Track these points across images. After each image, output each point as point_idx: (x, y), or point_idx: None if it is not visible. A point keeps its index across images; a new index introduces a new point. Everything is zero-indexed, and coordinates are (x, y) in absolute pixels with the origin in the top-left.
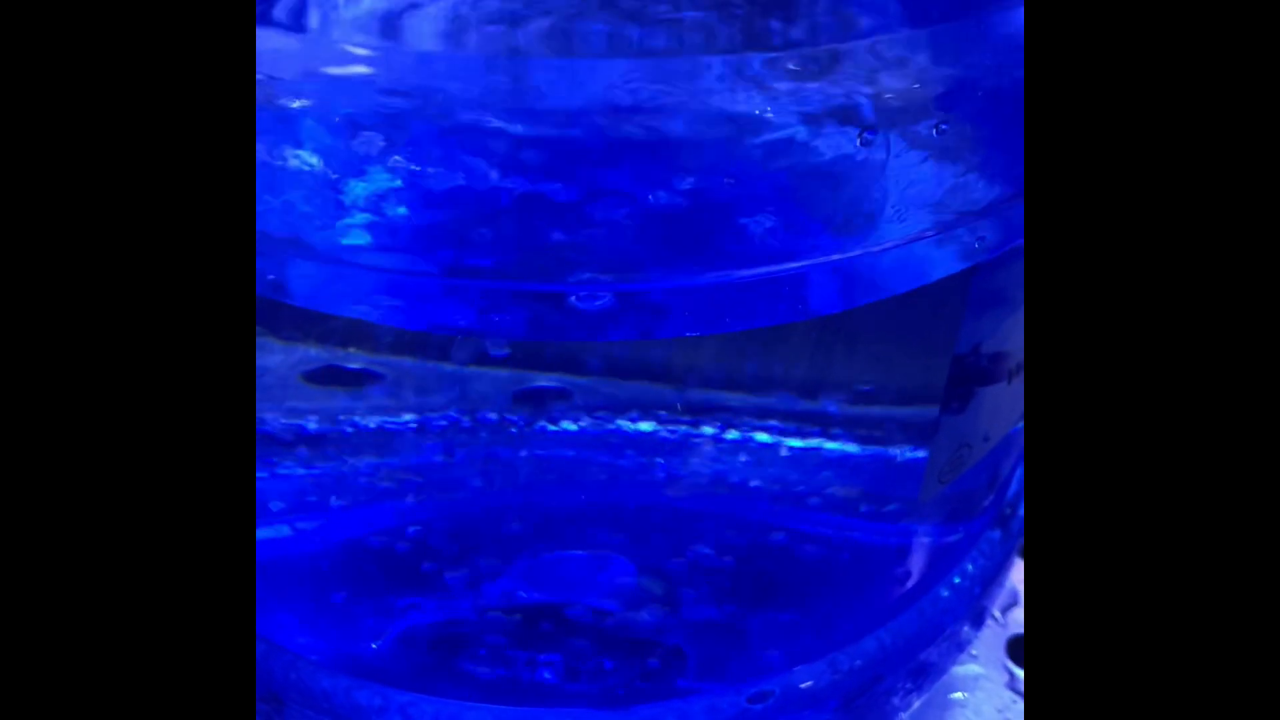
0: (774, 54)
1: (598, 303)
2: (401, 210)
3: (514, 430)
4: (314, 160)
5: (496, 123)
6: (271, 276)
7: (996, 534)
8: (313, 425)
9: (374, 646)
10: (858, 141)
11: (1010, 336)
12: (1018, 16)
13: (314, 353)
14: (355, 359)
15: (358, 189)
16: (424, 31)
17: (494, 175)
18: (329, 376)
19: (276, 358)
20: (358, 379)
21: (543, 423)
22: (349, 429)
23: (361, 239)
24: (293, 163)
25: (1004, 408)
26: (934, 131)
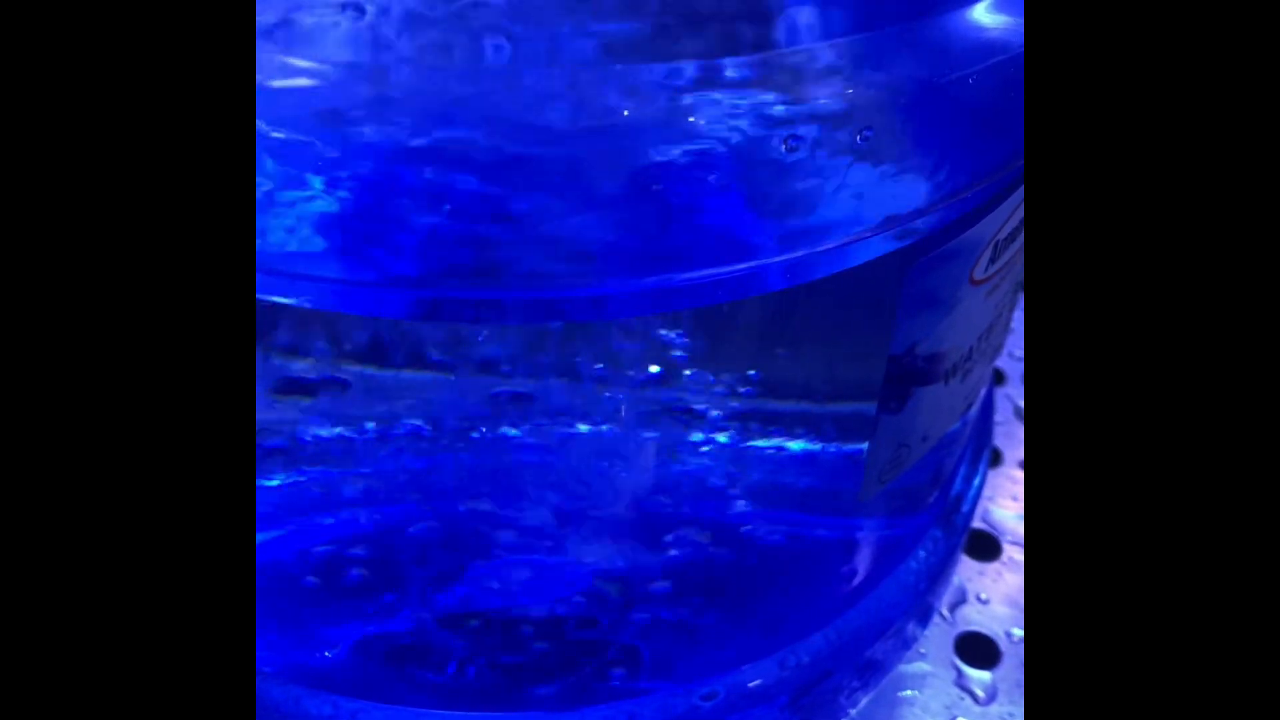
0: (703, 61)
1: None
2: (347, 220)
3: (469, 436)
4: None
5: (435, 132)
6: None
7: (940, 531)
8: (268, 437)
9: (327, 655)
10: (783, 148)
11: (946, 337)
12: (944, 23)
13: (270, 364)
14: (311, 369)
15: (296, 198)
16: (360, 43)
17: (435, 183)
18: (284, 388)
19: None
20: (313, 390)
21: (495, 428)
22: (303, 440)
23: (301, 248)
24: None
25: (943, 408)
26: (858, 138)
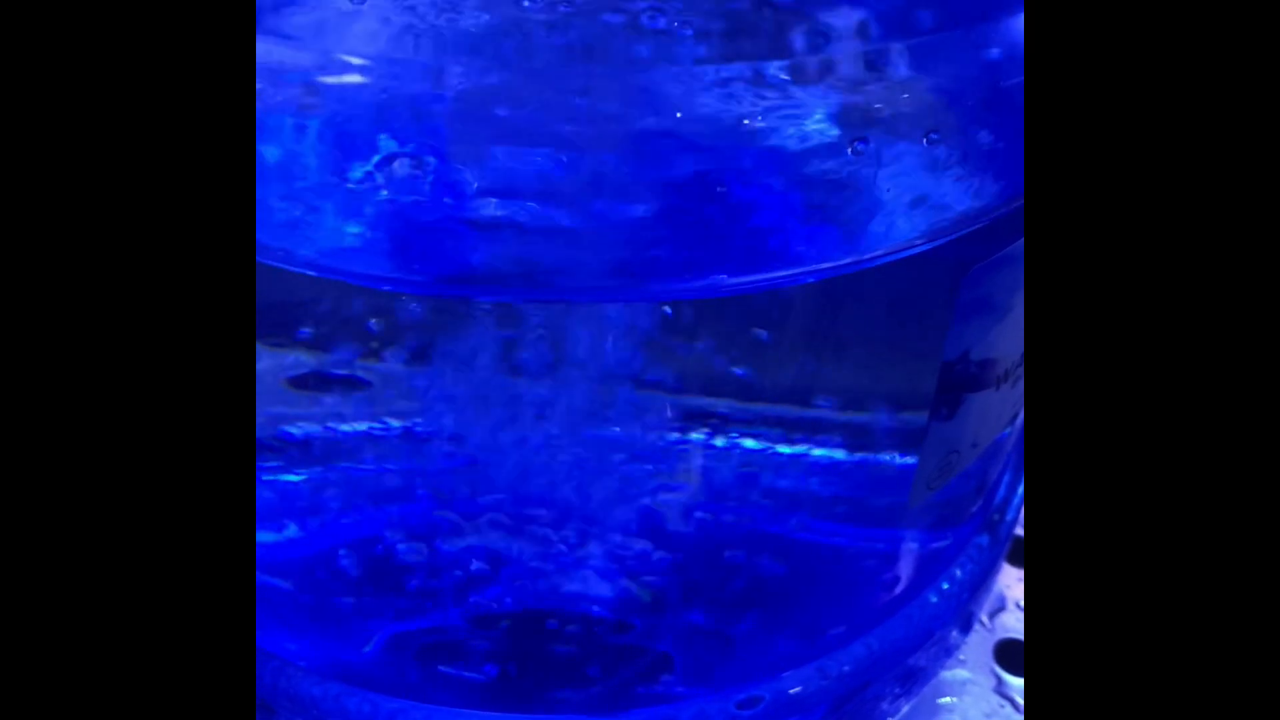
0: (765, 62)
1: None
2: (394, 221)
3: (504, 436)
4: (300, 168)
5: (486, 135)
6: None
7: (985, 539)
8: (297, 431)
9: (365, 651)
10: (849, 151)
11: (999, 343)
12: (1008, 27)
13: (299, 358)
14: (341, 364)
15: (345, 199)
16: (415, 43)
17: (487, 186)
18: (314, 382)
19: (262, 363)
20: (343, 384)
21: (532, 428)
22: (334, 434)
23: (349, 248)
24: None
25: (992, 414)
26: (925, 140)
